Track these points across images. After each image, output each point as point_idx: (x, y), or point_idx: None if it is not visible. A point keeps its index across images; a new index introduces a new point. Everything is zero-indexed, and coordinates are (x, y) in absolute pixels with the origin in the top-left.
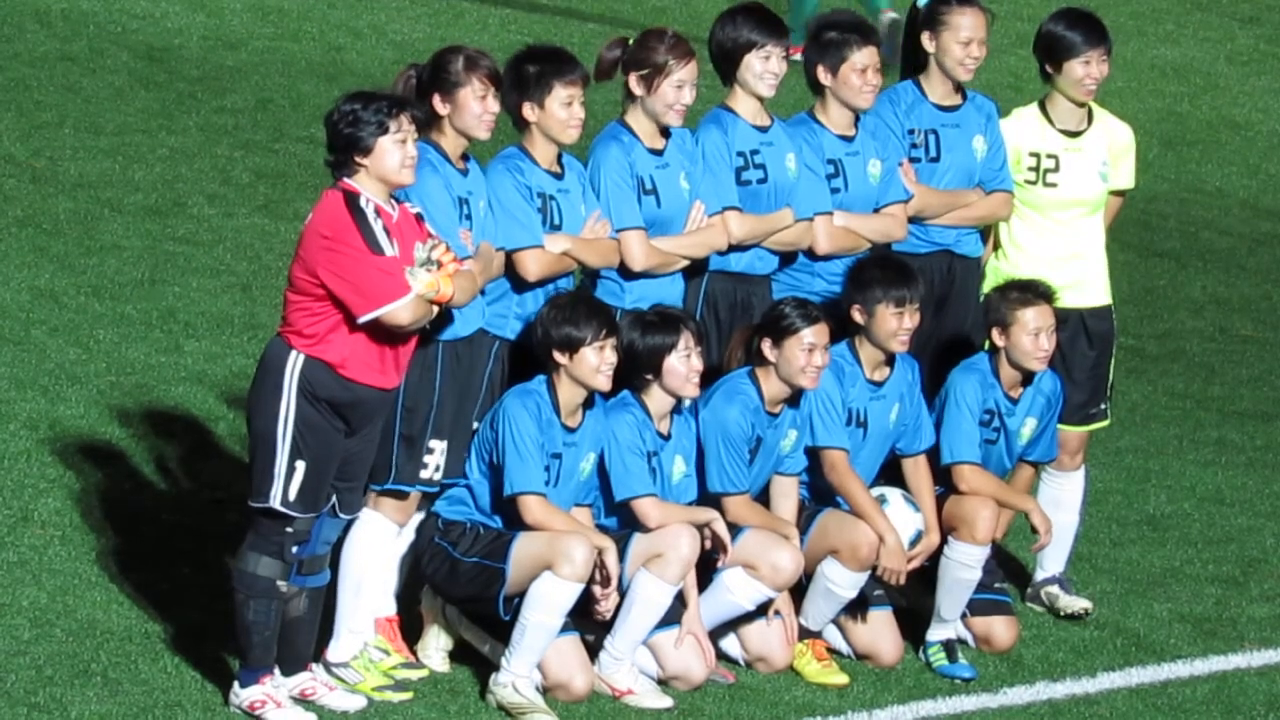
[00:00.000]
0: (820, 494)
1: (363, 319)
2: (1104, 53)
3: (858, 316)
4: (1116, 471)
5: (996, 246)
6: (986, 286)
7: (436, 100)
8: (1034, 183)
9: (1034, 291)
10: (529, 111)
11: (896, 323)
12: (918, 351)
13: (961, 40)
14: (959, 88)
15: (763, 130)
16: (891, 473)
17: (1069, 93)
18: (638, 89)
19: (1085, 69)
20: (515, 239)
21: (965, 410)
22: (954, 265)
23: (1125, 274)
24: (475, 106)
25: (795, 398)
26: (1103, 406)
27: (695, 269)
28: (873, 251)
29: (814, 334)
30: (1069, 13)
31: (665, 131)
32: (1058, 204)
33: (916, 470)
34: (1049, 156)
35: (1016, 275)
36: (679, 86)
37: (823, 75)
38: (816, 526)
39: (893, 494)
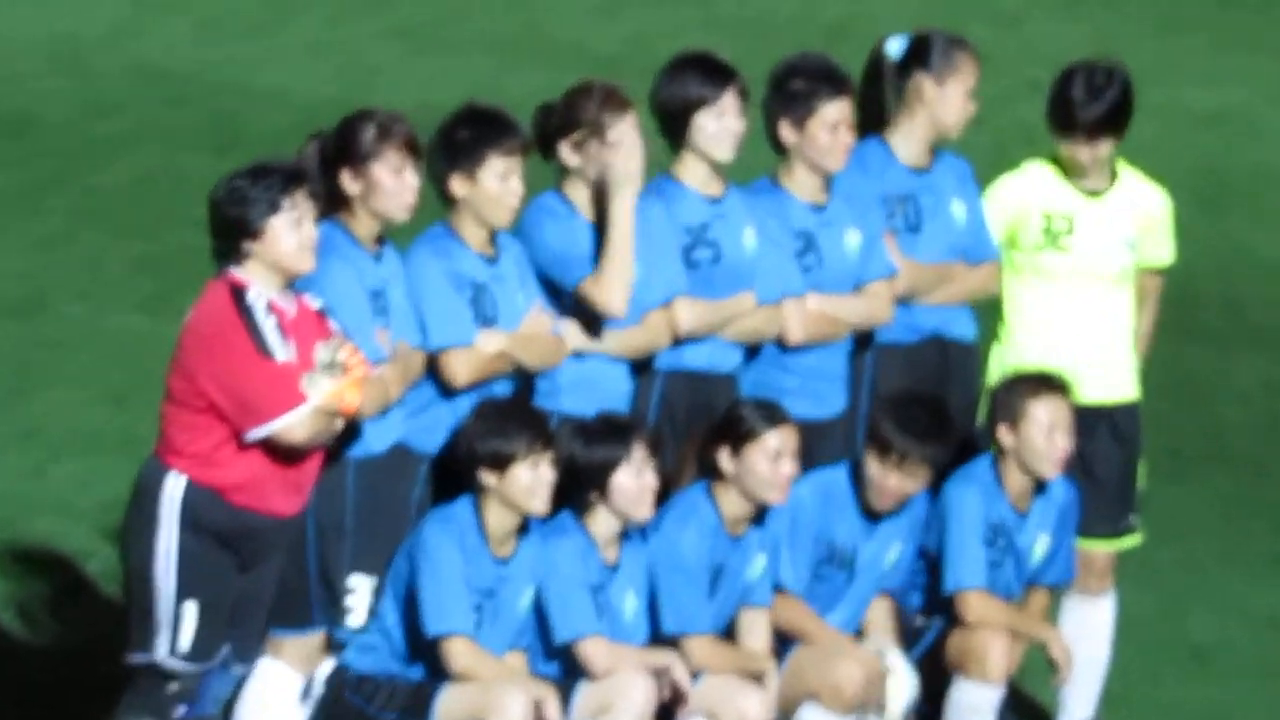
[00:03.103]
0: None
1: (252, 435)
2: (1094, 137)
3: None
4: (1152, 592)
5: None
6: (991, 376)
7: (345, 176)
8: (1044, 246)
9: (1048, 383)
10: (458, 185)
11: (880, 477)
12: None
13: (967, 90)
14: (930, 146)
15: (714, 201)
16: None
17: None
18: (572, 158)
19: (1072, 150)
20: (441, 336)
21: (967, 527)
22: (947, 352)
23: (1158, 359)
24: (390, 182)
25: (761, 515)
26: (1132, 518)
27: (646, 367)
28: (856, 339)
29: (780, 438)
30: (1078, 71)
31: None
32: (1071, 273)
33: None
34: (1062, 216)
35: (1025, 361)
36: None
37: (786, 132)
38: (789, 665)
39: (894, 658)
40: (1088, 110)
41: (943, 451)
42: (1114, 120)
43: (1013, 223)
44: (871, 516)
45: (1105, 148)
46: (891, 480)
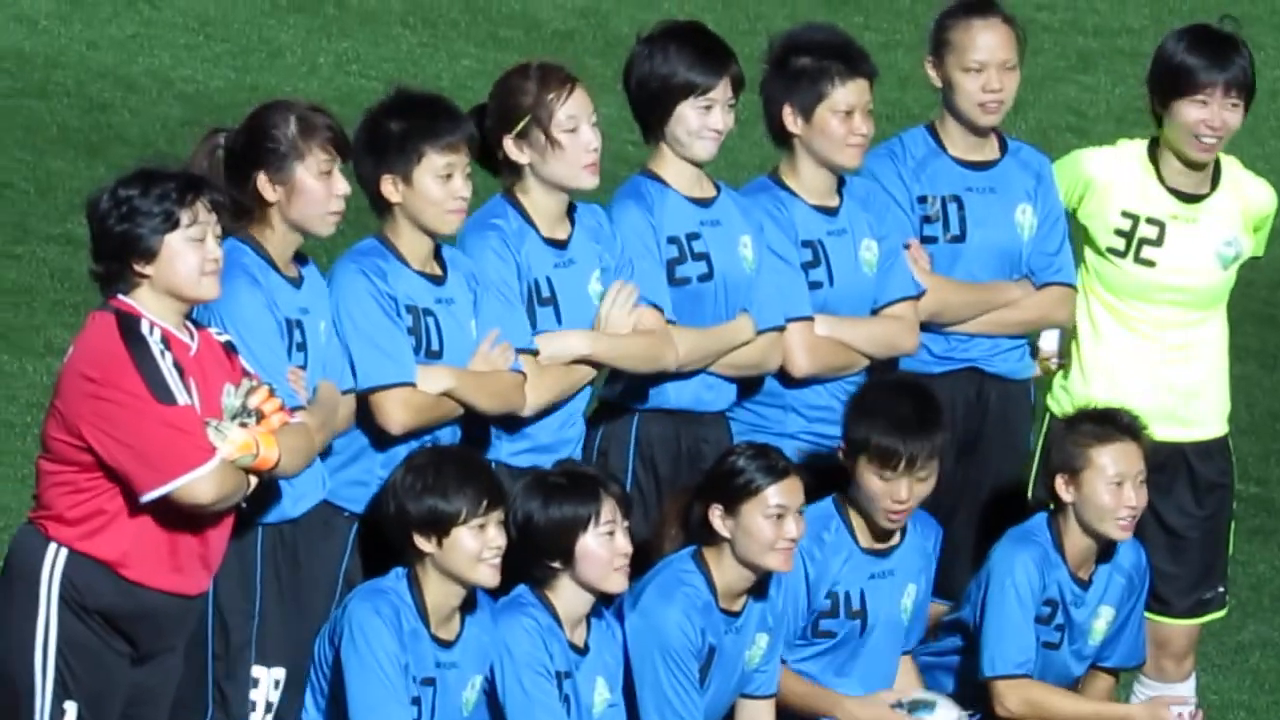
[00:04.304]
0: None
1: (148, 496)
2: (1231, 90)
3: (842, 458)
4: (1238, 677)
5: (1066, 355)
6: (1050, 416)
7: (262, 181)
8: (1123, 254)
9: (1115, 423)
10: (391, 189)
11: (882, 490)
12: (941, 509)
13: (972, 66)
14: (1000, 138)
15: (704, 204)
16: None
17: (1177, 144)
18: (519, 154)
19: (1201, 112)
20: (373, 374)
21: (1015, 602)
22: (986, 390)
23: (1242, 393)
24: (317, 188)
25: (761, 586)
26: (1220, 590)
27: (618, 408)
28: (873, 371)
29: (782, 493)
30: (1197, 30)
31: (570, 211)
32: (1153, 289)
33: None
34: (1150, 222)
35: (1090, 396)
36: (572, 129)
37: (791, 120)
38: None
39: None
40: (1218, 50)
41: (945, 435)
42: (1238, 65)
43: (1081, 205)
44: (874, 553)
45: (1235, 117)
46: (902, 489)
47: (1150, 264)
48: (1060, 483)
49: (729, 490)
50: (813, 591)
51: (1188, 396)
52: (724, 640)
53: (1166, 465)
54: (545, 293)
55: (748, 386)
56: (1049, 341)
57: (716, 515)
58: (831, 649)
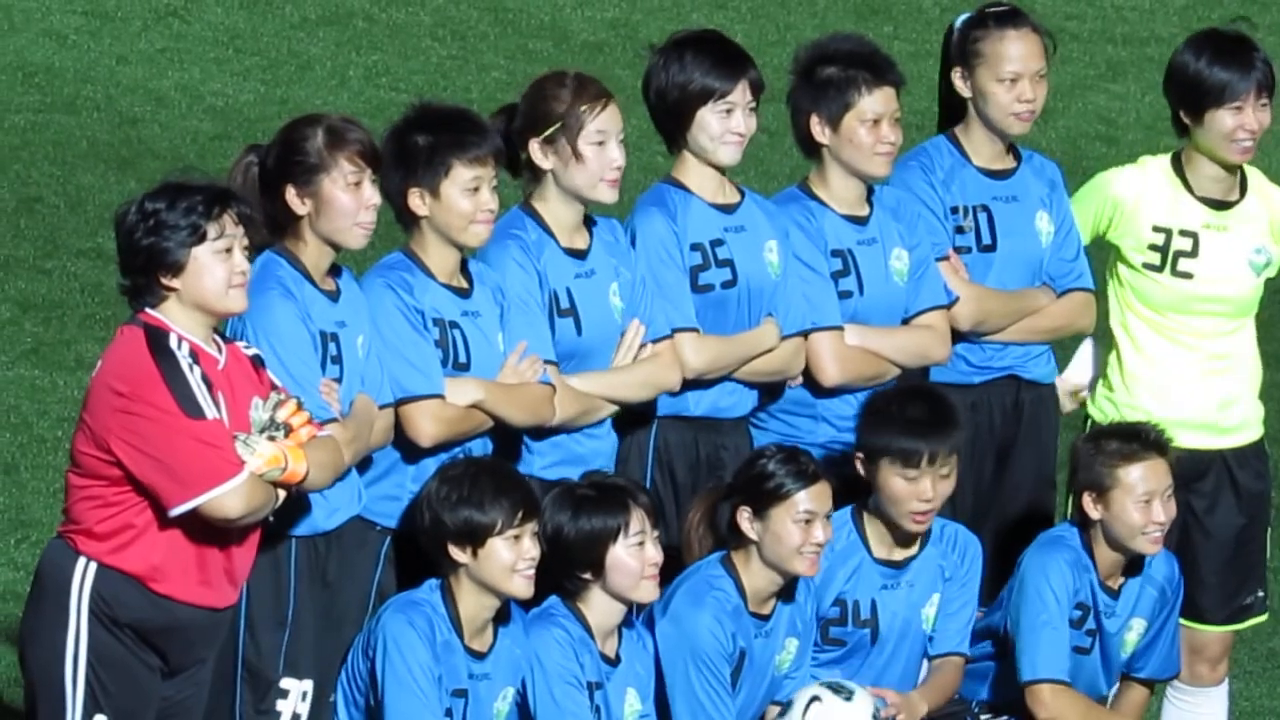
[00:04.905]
0: None
1: (176, 510)
2: (1262, 93)
3: (860, 469)
4: (1269, 684)
5: (1104, 366)
6: (1098, 418)
7: (290, 194)
8: (1159, 268)
9: (1140, 440)
10: (418, 201)
11: (906, 491)
12: (975, 517)
13: (1005, 77)
14: (1011, 145)
15: (728, 210)
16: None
17: (1215, 152)
18: (543, 159)
19: (1237, 118)
20: (402, 386)
21: (1052, 604)
22: (1022, 397)
23: (1270, 397)
24: (345, 200)
25: (790, 590)
26: (1260, 594)
27: (637, 416)
28: (902, 380)
29: (811, 498)
30: (1212, 38)
31: (589, 222)
32: (1191, 300)
33: (941, 670)
34: (1184, 234)
35: (1135, 404)
36: (599, 143)
37: (818, 130)
38: None
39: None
40: (1242, 59)
41: (962, 433)
42: (1271, 79)
43: (1112, 228)
44: (888, 564)
45: (1266, 115)
46: (927, 487)
47: (1188, 276)
48: (1088, 501)
49: (758, 493)
50: (818, 598)
51: (1227, 404)
52: (754, 644)
53: (1208, 474)
54: (565, 304)
55: (768, 391)
56: (1081, 374)
57: (745, 517)
58: (842, 657)
